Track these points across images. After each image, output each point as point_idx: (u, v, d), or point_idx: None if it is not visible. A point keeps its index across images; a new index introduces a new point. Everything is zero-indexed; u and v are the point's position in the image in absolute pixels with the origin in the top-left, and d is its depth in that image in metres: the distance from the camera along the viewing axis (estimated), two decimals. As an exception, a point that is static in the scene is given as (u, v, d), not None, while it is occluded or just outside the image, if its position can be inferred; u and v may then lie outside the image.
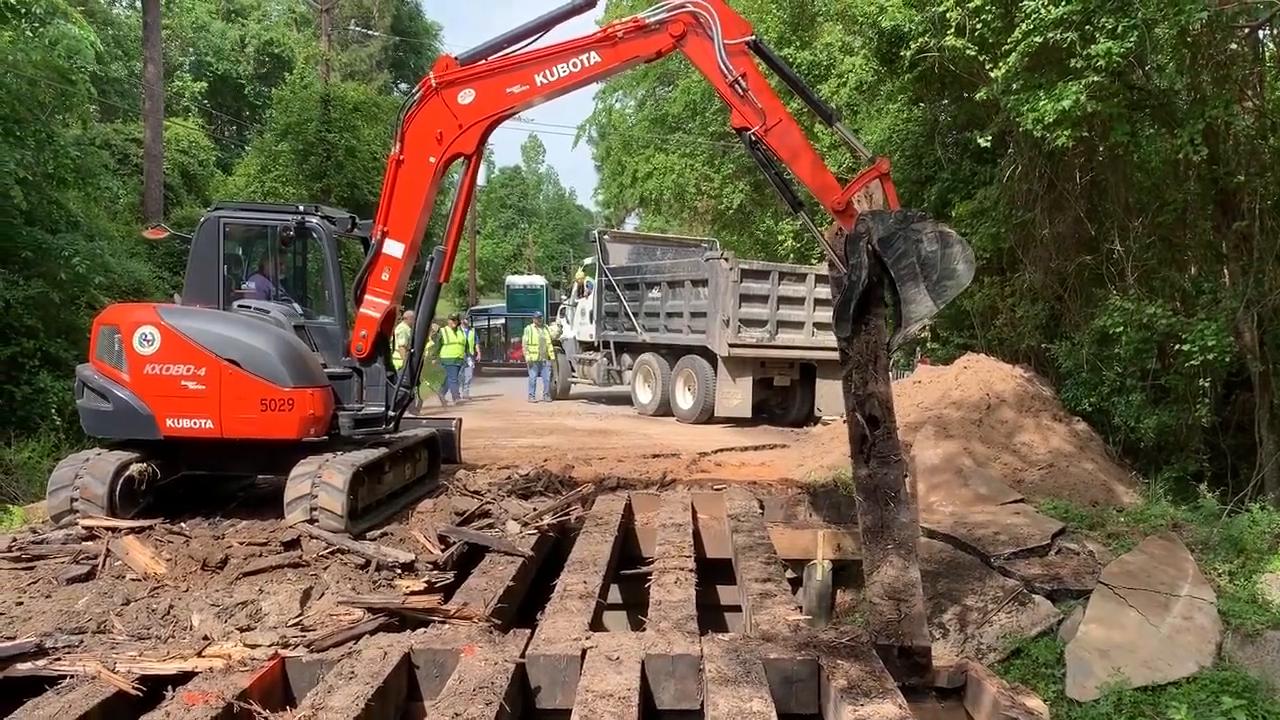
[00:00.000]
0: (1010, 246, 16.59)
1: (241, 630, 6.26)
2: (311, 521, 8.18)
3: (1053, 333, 15.72)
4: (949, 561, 9.52)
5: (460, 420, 12.92)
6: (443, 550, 8.17)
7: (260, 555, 7.76)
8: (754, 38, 7.82)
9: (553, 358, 23.85)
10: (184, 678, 5.56)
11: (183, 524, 8.54)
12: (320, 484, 8.24)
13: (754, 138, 7.62)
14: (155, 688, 5.45)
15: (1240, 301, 12.93)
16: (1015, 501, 10.82)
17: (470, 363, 24.11)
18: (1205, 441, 14.02)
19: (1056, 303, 16.01)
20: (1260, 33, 13.59)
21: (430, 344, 23.02)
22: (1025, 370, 14.30)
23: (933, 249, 6.72)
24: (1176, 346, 13.06)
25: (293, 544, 7.98)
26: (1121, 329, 13.29)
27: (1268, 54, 13.93)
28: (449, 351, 22.63)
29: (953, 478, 11.44)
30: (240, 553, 7.79)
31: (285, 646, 6.03)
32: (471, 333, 24.14)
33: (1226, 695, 7.02)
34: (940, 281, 6.73)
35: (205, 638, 6.13)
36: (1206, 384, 13.91)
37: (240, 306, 9.37)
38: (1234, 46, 13.58)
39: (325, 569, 7.53)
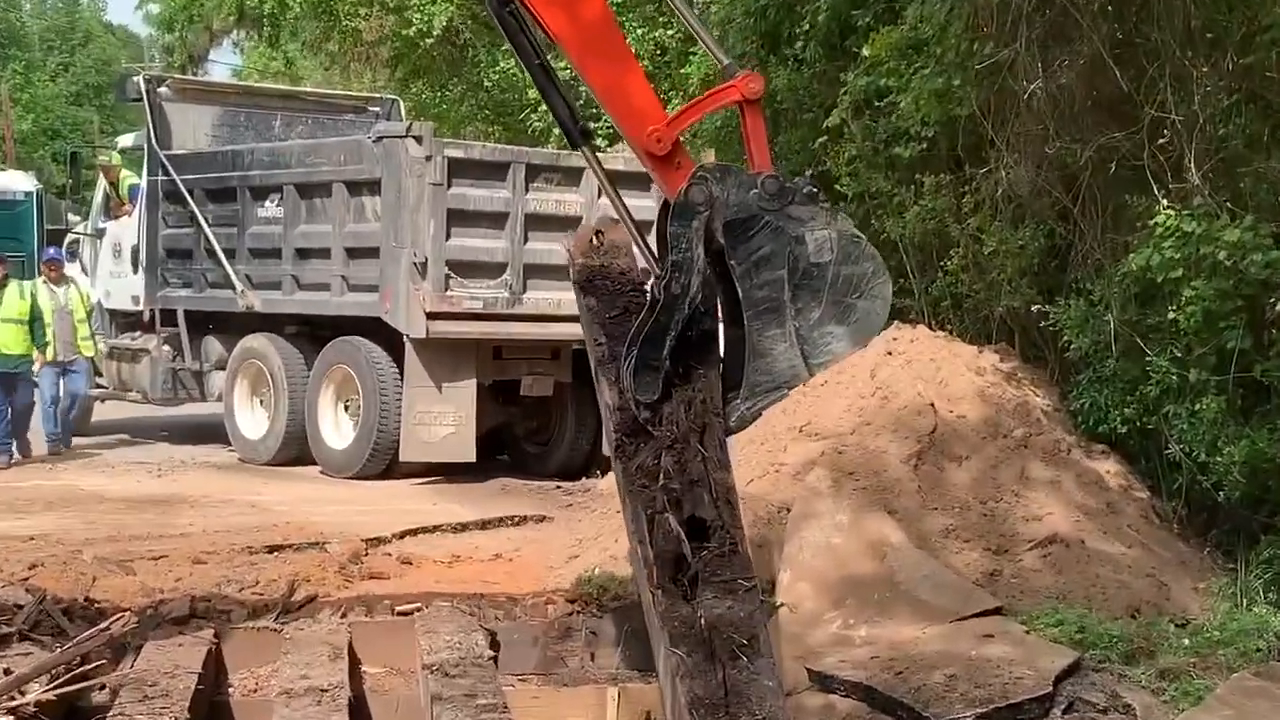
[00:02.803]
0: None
1: None
2: None
3: (1054, 280, 9.56)
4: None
5: None
6: None
7: None
8: None
9: (95, 351, 13.60)
10: None
11: None
12: None
13: None
14: None
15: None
16: (987, 614, 7.34)
17: None
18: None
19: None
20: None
21: None
22: (1003, 356, 9.16)
23: (822, 260, 4.06)
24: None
25: None
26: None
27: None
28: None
29: (869, 570, 7.83)
30: None
31: None
32: None
33: None
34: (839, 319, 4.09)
35: None
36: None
37: None
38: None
39: None
